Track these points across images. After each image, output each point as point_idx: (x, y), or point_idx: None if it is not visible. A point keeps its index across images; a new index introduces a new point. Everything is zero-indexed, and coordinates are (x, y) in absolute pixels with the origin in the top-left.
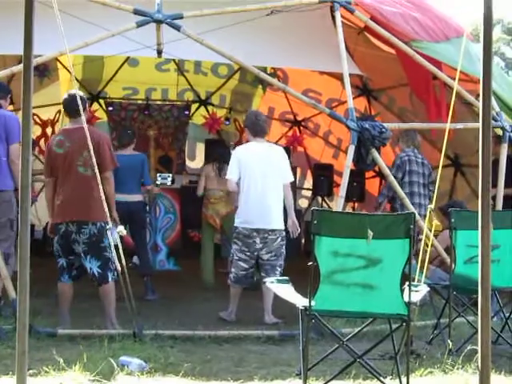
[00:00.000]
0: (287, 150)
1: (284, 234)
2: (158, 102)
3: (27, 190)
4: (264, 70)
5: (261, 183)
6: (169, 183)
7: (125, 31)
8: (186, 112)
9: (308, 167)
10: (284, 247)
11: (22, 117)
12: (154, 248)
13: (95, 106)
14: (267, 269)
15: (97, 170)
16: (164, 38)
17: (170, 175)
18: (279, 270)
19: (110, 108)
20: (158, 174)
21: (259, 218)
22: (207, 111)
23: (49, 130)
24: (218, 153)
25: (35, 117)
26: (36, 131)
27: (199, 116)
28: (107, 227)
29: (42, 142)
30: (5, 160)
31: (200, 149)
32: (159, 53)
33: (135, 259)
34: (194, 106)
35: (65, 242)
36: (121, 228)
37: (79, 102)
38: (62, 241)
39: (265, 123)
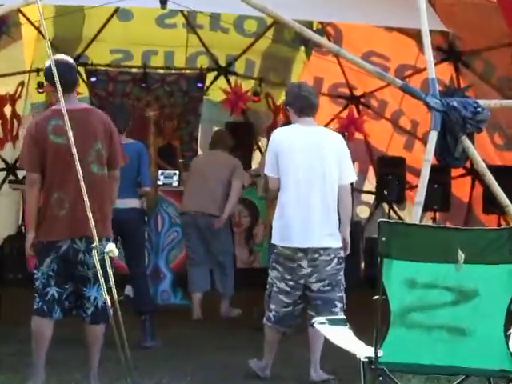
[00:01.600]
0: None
1: (342, 254)
2: (160, 71)
3: None
4: (309, 25)
5: (306, 184)
6: (175, 183)
7: None
8: (200, 84)
9: (369, 161)
10: (342, 273)
11: None
12: (155, 274)
13: None
14: (318, 304)
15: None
16: None
17: (177, 173)
18: (338, 306)
19: (93, 78)
20: (160, 172)
21: (305, 232)
22: (228, 83)
23: (7, 110)
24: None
25: None
26: None
27: (217, 90)
28: (93, 245)
29: None
30: None
31: None
32: (163, 2)
33: (128, 290)
34: (210, 76)
35: (65, 266)
36: (111, 246)
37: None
38: (61, 264)
39: (313, 96)
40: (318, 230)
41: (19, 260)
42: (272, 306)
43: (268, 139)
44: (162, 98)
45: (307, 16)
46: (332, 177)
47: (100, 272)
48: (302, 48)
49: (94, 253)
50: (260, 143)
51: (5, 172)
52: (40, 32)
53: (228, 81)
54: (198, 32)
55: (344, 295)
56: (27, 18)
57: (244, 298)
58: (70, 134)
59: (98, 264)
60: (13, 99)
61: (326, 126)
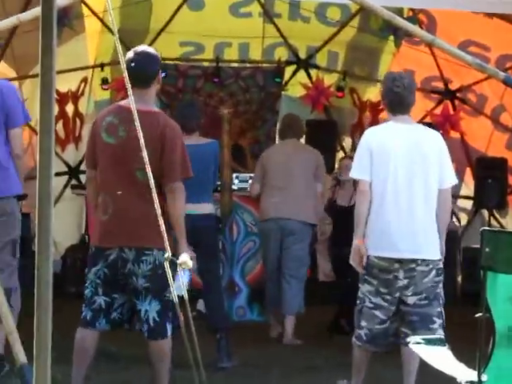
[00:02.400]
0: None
1: (441, 266)
2: (235, 64)
3: (48, 201)
4: (398, 12)
5: (405, 187)
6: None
7: None
8: (277, 79)
9: (467, 163)
10: (441, 286)
11: (40, 88)
12: (230, 288)
13: None
14: (414, 321)
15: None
16: None
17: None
18: (437, 322)
19: (162, 74)
20: (234, 175)
21: (403, 241)
22: (309, 77)
23: (69, 109)
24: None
25: None
26: None
27: (297, 85)
28: (165, 256)
29: (59, 125)
30: (5, 151)
31: None
32: None
33: (200, 305)
34: (288, 70)
35: (113, 274)
36: (184, 257)
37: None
38: (109, 272)
39: (407, 92)
40: (416, 238)
41: (82, 272)
42: (363, 324)
43: (352, 138)
44: (236, 94)
45: (397, 2)
46: (434, 180)
47: (172, 284)
48: (391, 38)
49: (166, 265)
50: (344, 143)
51: (67, 176)
52: (104, 24)
53: (309, 75)
54: (276, 21)
55: (443, 311)
56: (91, 9)
57: (327, 313)
58: (140, 134)
59: (170, 278)
60: (75, 97)
61: (418, 123)
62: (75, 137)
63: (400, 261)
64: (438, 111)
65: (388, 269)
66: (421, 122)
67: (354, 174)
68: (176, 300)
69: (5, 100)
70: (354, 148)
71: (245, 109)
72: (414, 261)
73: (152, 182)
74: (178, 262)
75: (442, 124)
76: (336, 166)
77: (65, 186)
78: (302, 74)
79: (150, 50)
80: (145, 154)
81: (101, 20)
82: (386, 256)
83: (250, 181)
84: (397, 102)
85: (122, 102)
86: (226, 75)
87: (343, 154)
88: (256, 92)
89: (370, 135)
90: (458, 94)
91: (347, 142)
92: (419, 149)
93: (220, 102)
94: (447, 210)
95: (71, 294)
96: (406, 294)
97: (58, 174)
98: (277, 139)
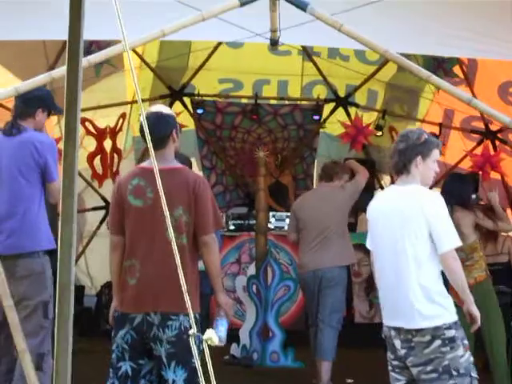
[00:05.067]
0: (474, 176)
1: (453, 334)
2: (273, 102)
3: (70, 241)
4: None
5: (391, 252)
6: (287, 227)
7: (222, 13)
8: (316, 117)
9: (508, 205)
10: (453, 357)
11: (65, 120)
12: (264, 333)
13: (177, 106)
14: None
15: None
16: (281, 21)
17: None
18: None
19: (200, 110)
20: (271, 214)
21: (393, 310)
22: (348, 115)
23: (107, 144)
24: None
25: (87, 123)
26: (88, 145)
27: (335, 123)
28: (190, 332)
29: (96, 160)
30: (38, 207)
31: None
32: (274, 43)
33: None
34: (327, 108)
35: (140, 338)
36: (210, 333)
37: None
38: (136, 335)
39: (408, 151)
40: (406, 307)
41: None
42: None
43: (392, 177)
44: (274, 131)
45: (438, 51)
46: (422, 245)
47: (197, 360)
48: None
49: (191, 341)
50: (383, 182)
51: (103, 211)
52: (143, 60)
53: (347, 113)
54: (315, 60)
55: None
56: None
57: (365, 358)
58: (162, 193)
59: (195, 353)
60: (113, 132)
61: (457, 163)
62: (113, 172)
63: (396, 329)
64: (478, 151)
65: (389, 336)
66: (460, 162)
67: (367, 244)
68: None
69: (40, 154)
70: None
71: (283, 146)
72: (408, 332)
73: (185, 240)
74: (204, 337)
75: (482, 165)
76: None
77: (101, 221)
78: (340, 112)
79: (163, 109)
80: (177, 211)
81: (139, 56)
82: (384, 323)
83: (288, 221)
84: (393, 163)
85: (144, 164)
86: (265, 112)
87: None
88: (294, 129)
89: (371, 204)
90: (498, 135)
91: (386, 180)
92: (401, 216)
93: (258, 139)
94: (456, 273)
95: (106, 332)
96: (408, 364)
97: (94, 209)
98: (315, 182)
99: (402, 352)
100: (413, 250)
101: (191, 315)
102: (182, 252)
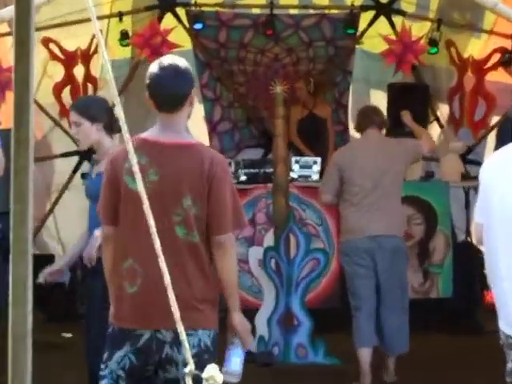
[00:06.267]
0: None
1: None
2: (294, 11)
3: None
4: None
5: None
6: (315, 176)
7: None
8: (350, 30)
9: None
10: None
11: (15, 50)
12: (288, 321)
13: (168, 20)
14: None
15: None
16: None
17: (318, 160)
18: None
19: (199, 25)
20: (293, 159)
21: None
22: (392, 27)
23: (78, 71)
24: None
25: (51, 45)
26: (54, 73)
27: (376, 37)
28: (186, 370)
29: (65, 92)
30: None
31: (377, 102)
32: None
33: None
34: (365, 17)
35: (143, 363)
36: (212, 370)
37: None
38: (138, 360)
39: None
40: None
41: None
42: None
43: (450, 106)
44: (296, 51)
45: None
46: None
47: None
48: None
49: (188, 381)
50: (439, 112)
51: (76, 157)
52: None
53: (391, 24)
54: None
55: None
56: None
57: (419, 341)
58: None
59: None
60: (86, 56)
61: None
62: None
63: None
64: None
65: (505, 343)
66: None
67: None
68: None
69: None
70: (451, 119)
71: (308, 69)
72: None
73: (197, 239)
74: (204, 376)
75: None
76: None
77: (74, 171)
78: (382, 23)
79: (180, 61)
80: (186, 202)
81: None
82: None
83: (315, 168)
84: None
85: (147, 134)
86: (283, 25)
87: (438, 127)
88: (322, 47)
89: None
90: None
91: (442, 110)
92: None
93: (275, 61)
94: None
95: (83, 317)
96: None
97: (65, 155)
98: (349, 116)
99: None
100: None
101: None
102: (195, 252)
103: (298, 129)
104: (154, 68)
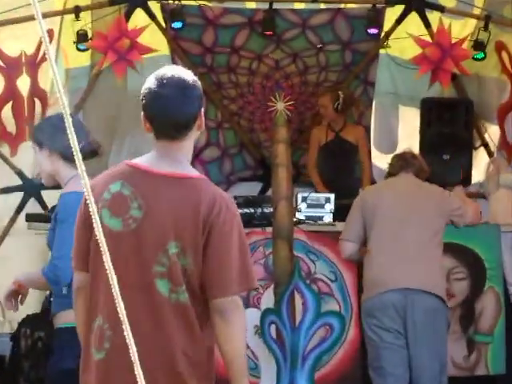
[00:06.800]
0: None
1: None
2: (298, 6)
3: None
4: None
5: None
6: (328, 218)
7: None
8: (373, 30)
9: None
10: None
11: None
12: None
13: (138, 18)
14: None
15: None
16: None
17: (332, 196)
18: None
19: (178, 24)
20: (299, 195)
21: None
22: (426, 26)
23: (23, 83)
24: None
25: None
26: None
27: (405, 39)
28: None
29: (6, 110)
30: None
31: (408, 122)
32: None
33: None
34: (392, 13)
35: None
36: None
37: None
38: None
39: None
40: None
41: (46, 359)
42: None
43: (502, 128)
44: (302, 56)
45: None
46: None
47: None
48: None
49: None
50: (487, 135)
51: (20, 193)
52: None
53: (426, 22)
54: None
55: None
56: None
57: None
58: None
59: None
60: (33, 64)
61: None
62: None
63: None
64: None
65: None
66: None
67: None
68: None
69: None
70: (503, 143)
71: (317, 79)
72: None
73: (184, 298)
74: None
75: None
76: (475, 173)
77: (17, 211)
78: (414, 21)
79: (186, 73)
80: (170, 248)
81: None
82: None
83: (328, 207)
84: None
85: (138, 160)
86: (286, 24)
87: (485, 154)
88: (336, 51)
89: None
90: None
91: (490, 131)
92: None
93: (275, 69)
94: None
95: None
96: None
97: (5, 191)
98: (372, 140)
99: None
100: None
101: None
102: (182, 315)
103: (319, 156)
104: (151, 82)
